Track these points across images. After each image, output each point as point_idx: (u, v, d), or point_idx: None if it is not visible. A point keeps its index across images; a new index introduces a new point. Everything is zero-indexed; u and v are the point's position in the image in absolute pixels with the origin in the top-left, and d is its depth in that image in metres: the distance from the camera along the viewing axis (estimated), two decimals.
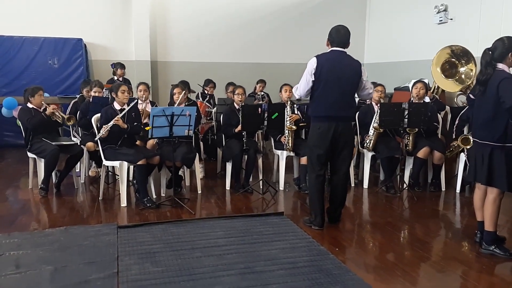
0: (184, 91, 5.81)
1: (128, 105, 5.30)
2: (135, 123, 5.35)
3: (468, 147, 5.41)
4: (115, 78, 8.46)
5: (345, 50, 4.34)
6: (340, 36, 4.30)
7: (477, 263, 3.67)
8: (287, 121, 5.76)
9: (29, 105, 5.66)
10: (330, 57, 4.30)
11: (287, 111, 5.76)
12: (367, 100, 6.28)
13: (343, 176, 4.49)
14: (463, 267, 3.60)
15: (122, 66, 8.56)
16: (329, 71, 4.23)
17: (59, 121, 5.77)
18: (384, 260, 3.76)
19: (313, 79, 4.28)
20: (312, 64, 4.28)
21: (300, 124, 5.94)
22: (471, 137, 5.25)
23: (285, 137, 5.86)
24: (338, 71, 4.24)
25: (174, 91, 5.85)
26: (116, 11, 9.62)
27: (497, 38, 3.72)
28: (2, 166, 7.39)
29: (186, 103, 6.12)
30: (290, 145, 5.82)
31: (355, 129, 6.17)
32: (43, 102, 5.74)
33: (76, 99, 6.73)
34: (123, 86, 5.41)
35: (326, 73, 4.24)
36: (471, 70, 6.29)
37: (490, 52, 3.70)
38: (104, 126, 5.10)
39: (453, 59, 6.54)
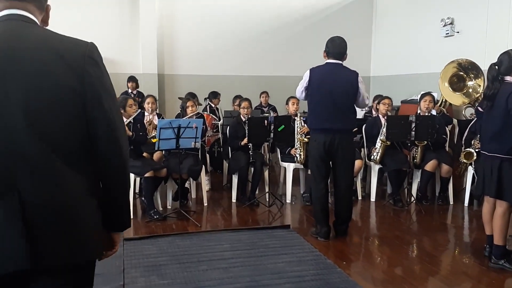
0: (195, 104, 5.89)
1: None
2: (140, 133, 5.37)
3: (470, 161, 5.41)
4: (129, 91, 8.46)
5: (342, 61, 4.28)
6: (335, 47, 4.25)
7: (486, 277, 3.62)
8: (298, 133, 5.73)
9: None
10: (324, 69, 4.29)
11: (297, 123, 5.75)
12: (374, 113, 6.26)
13: (346, 189, 4.44)
14: (472, 282, 3.56)
15: (132, 79, 8.56)
16: (321, 84, 4.23)
17: None
18: (392, 274, 3.71)
19: (306, 92, 4.30)
20: (305, 77, 4.30)
21: (307, 137, 5.91)
22: (473, 151, 5.28)
23: (295, 149, 5.81)
24: (331, 83, 4.20)
25: (188, 104, 5.87)
26: (123, 25, 9.69)
27: (503, 51, 3.72)
28: None
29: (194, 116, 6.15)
30: (302, 157, 5.70)
31: (362, 142, 6.16)
32: None
33: None
34: (130, 100, 5.40)
35: (318, 86, 4.24)
36: (479, 85, 6.27)
37: (496, 67, 3.69)
38: None
39: (461, 73, 6.53)
